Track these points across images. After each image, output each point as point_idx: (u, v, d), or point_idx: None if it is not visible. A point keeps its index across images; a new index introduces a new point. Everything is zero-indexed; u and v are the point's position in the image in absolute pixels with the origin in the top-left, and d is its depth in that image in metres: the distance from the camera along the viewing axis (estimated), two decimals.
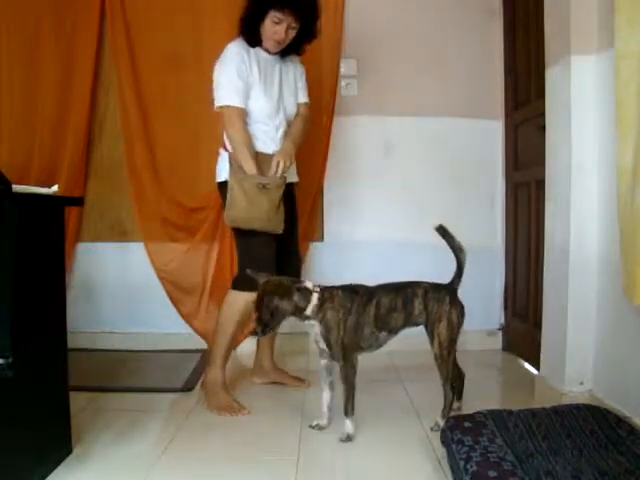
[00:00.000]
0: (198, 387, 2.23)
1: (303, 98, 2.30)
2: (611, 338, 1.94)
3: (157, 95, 2.86)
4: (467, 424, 1.63)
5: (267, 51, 2.17)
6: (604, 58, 1.89)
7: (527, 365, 2.62)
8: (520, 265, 2.79)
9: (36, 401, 1.52)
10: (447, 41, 2.92)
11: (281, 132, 2.17)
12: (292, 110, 2.23)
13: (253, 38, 2.13)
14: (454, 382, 1.96)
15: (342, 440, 1.81)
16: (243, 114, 2.08)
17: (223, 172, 2.12)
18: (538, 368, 2.31)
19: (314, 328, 1.84)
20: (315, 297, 1.82)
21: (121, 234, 3.00)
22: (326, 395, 1.92)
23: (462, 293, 1.87)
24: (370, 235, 2.93)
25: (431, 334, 1.87)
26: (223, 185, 2.11)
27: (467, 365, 2.73)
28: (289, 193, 2.19)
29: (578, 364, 2.03)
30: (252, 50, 2.14)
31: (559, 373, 2.07)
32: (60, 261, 1.70)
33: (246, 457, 1.72)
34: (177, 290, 2.88)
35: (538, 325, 2.34)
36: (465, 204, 2.94)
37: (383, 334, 1.89)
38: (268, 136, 2.14)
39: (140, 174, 2.86)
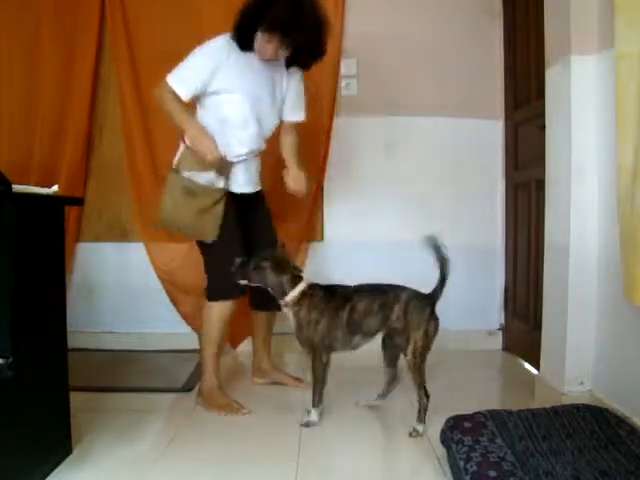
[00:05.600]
0: (196, 391, 2.22)
1: (298, 116, 2.23)
2: (611, 338, 1.94)
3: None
4: (467, 424, 1.63)
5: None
6: (604, 58, 1.89)
7: (527, 365, 2.61)
8: (520, 265, 2.79)
9: (36, 401, 1.52)
10: (447, 41, 2.92)
11: (254, 139, 2.11)
12: (271, 123, 2.17)
13: (245, 45, 2.01)
14: (392, 382, 2.04)
15: (302, 424, 1.90)
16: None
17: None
18: (538, 368, 2.31)
19: (289, 317, 1.94)
20: (299, 288, 1.91)
21: (121, 234, 3.00)
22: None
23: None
24: (370, 235, 2.93)
25: (407, 340, 1.86)
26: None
27: (467, 365, 2.75)
28: (255, 200, 2.22)
29: (578, 364, 2.03)
30: (241, 53, 2.02)
31: (559, 373, 2.07)
32: (60, 261, 1.70)
33: (246, 457, 1.72)
34: (177, 290, 2.87)
35: (538, 325, 2.34)
36: (465, 204, 2.94)
37: (357, 337, 1.93)
38: (241, 142, 2.09)
39: (140, 174, 2.85)
